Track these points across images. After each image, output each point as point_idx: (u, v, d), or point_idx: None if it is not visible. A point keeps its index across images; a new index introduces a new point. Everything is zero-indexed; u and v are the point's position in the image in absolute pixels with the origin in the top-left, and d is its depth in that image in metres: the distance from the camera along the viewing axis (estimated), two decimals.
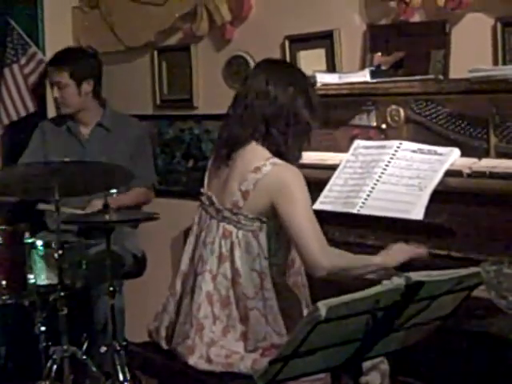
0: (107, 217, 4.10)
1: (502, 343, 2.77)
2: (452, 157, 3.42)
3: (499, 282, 2.61)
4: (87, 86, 4.76)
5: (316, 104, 3.27)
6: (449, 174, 3.39)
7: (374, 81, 3.88)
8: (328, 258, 3.09)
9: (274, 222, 3.14)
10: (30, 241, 4.17)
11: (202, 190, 3.34)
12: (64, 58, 4.83)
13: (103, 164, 4.22)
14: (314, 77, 3.98)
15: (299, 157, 3.25)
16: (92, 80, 4.78)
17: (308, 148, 3.90)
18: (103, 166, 4.16)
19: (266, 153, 3.14)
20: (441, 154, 3.46)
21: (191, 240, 3.34)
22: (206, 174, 3.36)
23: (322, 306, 2.24)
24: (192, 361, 3.11)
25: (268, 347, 3.07)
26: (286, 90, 3.18)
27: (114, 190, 4.19)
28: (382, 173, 3.57)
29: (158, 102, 5.36)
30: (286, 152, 3.17)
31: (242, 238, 3.13)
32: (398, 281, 2.35)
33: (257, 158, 3.13)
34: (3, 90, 5.48)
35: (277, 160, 3.11)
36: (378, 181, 3.56)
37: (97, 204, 4.35)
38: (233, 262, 3.13)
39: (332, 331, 2.35)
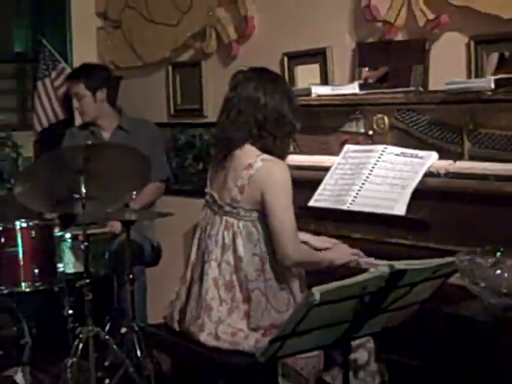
0: (127, 215, 4.12)
1: (472, 324, 2.77)
2: (431, 160, 3.41)
3: (472, 270, 2.62)
4: (101, 94, 4.79)
5: (297, 107, 3.30)
6: (428, 174, 3.38)
7: (362, 92, 3.86)
8: (297, 252, 3.13)
9: None
10: (59, 234, 4.21)
11: (205, 190, 3.35)
12: (79, 72, 4.90)
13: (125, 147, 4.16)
14: (309, 89, 3.98)
15: (286, 153, 3.27)
16: (105, 89, 4.81)
17: (304, 152, 3.93)
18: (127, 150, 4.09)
19: (255, 151, 3.16)
20: (421, 157, 3.45)
21: (198, 234, 3.34)
22: (208, 175, 3.37)
23: (316, 292, 2.25)
24: (202, 337, 3.12)
25: (268, 328, 3.06)
26: (273, 95, 3.19)
27: (134, 193, 4.21)
28: (369, 174, 3.56)
29: (172, 111, 5.35)
30: (275, 150, 3.19)
31: (242, 228, 3.14)
32: (383, 269, 2.36)
33: (249, 156, 3.15)
34: (36, 100, 5.49)
35: (266, 156, 3.14)
36: (365, 181, 3.55)
37: (116, 225, 4.40)
38: (235, 250, 3.14)
39: (325, 313, 2.35)
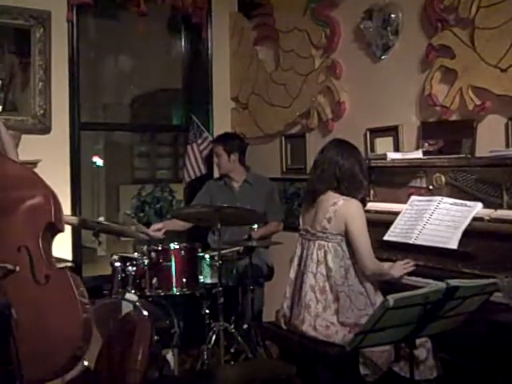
0: (250, 243, 4.17)
1: (509, 330, 2.70)
2: (477, 208, 3.35)
3: (510, 289, 2.56)
4: (234, 156, 4.82)
5: (365, 169, 3.44)
6: (475, 219, 3.31)
7: (425, 157, 3.83)
8: (373, 264, 3.22)
9: None
10: (201, 254, 4.25)
11: (299, 227, 3.47)
12: (220, 138, 4.98)
13: (246, 209, 4.27)
14: (385, 154, 3.97)
15: (358, 197, 3.33)
16: (237, 153, 4.83)
17: (380, 200, 3.92)
18: (246, 210, 4.24)
19: (337, 194, 3.29)
20: (469, 206, 3.38)
21: (296, 257, 3.44)
22: (300, 216, 3.50)
23: (391, 298, 2.25)
24: (304, 328, 3.16)
25: (353, 325, 3.07)
26: (349, 160, 3.33)
27: (255, 226, 4.25)
28: (430, 217, 3.51)
29: (284, 169, 5.35)
30: (350, 195, 3.30)
31: (331, 247, 3.25)
32: (442, 284, 2.34)
33: (333, 198, 3.28)
34: (186, 160, 5.55)
35: (345, 197, 3.28)
36: (426, 222, 3.50)
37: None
38: (327, 264, 3.21)
39: (396, 316, 2.34)
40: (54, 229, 3.21)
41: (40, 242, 3.11)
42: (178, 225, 4.61)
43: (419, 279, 3.28)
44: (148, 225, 4.89)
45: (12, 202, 3.13)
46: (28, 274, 3.04)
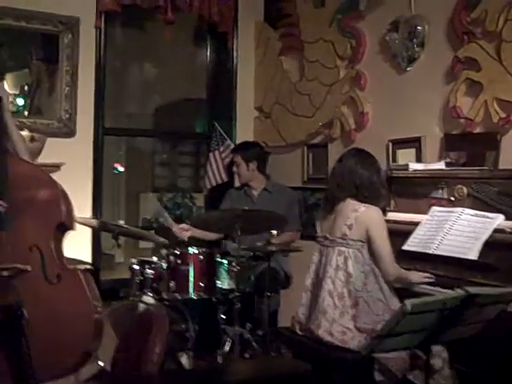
0: (269, 248, 4.17)
1: None
2: (498, 220, 3.33)
3: None
4: (252, 165, 4.86)
5: (383, 178, 3.51)
6: (496, 231, 3.29)
7: (447, 169, 3.81)
8: (395, 270, 3.25)
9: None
10: (219, 260, 4.25)
11: (316, 235, 3.49)
12: (239, 147, 5.04)
13: (269, 211, 4.28)
14: (407, 164, 3.97)
15: (377, 205, 3.35)
16: (256, 161, 4.86)
17: (401, 210, 3.90)
18: (269, 213, 4.25)
19: (356, 202, 3.32)
20: (491, 218, 3.37)
21: (314, 264, 3.45)
22: (318, 223, 3.51)
23: (409, 303, 2.23)
24: (319, 333, 3.15)
25: (369, 332, 3.05)
26: (368, 169, 3.37)
27: (274, 232, 4.25)
28: (450, 228, 3.49)
29: (305, 178, 5.34)
30: (369, 203, 3.32)
31: (352, 253, 3.26)
32: (460, 291, 2.32)
33: (353, 205, 3.30)
34: (208, 167, 5.57)
35: (366, 204, 3.31)
36: (447, 233, 3.48)
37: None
38: (346, 269, 3.22)
39: (413, 321, 2.31)
40: (65, 228, 3.24)
41: (51, 241, 3.13)
42: (206, 234, 4.64)
43: (438, 289, 3.25)
44: (166, 230, 4.92)
45: (23, 201, 3.15)
46: (40, 273, 3.06)
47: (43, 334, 2.92)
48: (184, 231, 4.58)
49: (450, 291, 2.96)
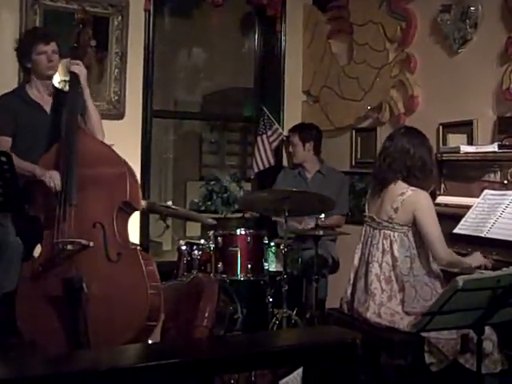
0: (317, 232, 4.18)
1: None
2: None
3: None
4: (309, 146, 4.92)
5: (434, 158, 3.46)
6: None
7: (500, 151, 3.74)
8: (446, 254, 3.17)
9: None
10: (266, 242, 4.28)
11: (364, 214, 3.43)
12: (297, 127, 5.08)
13: (318, 194, 4.27)
14: (458, 147, 3.93)
15: (428, 188, 3.32)
16: (312, 142, 4.93)
17: (451, 194, 3.87)
18: (318, 196, 4.23)
19: (405, 185, 3.25)
20: None
21: (360, 245, 3.42)
22: (366, 203, 3.47)
23: (460, 279, 2.22)
24: (368, 315, 3.13)
25: (418, 315, 3.02)
26: (420, 148, 3.30)
27: (322, 215, 4.25)
28: (503, 211, 3.45)
29: (354, 163, 5.33)
30: (419, 185, 3.26)
31: (397, 237, 3.21)
32: None
33: (401, 188, 3.24)
34: (256, 151, 5.60)
35: (414, 188, 3.24)
36: (499, 216, 3.44)
37: (310, 224, 4.42)
38: (392, 253, 3.19)
39: (465, 299, 2.31)
40: (130, 207, 3.31)
41: (114, 219, 3.21)
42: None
43: (489, 272, 3.22)
44: (215, 213, 4.97)
45: (90, 178, 3.24)
46: (101, 250, 3.15)
47: (100, 308, 3.01)
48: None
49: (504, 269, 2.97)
